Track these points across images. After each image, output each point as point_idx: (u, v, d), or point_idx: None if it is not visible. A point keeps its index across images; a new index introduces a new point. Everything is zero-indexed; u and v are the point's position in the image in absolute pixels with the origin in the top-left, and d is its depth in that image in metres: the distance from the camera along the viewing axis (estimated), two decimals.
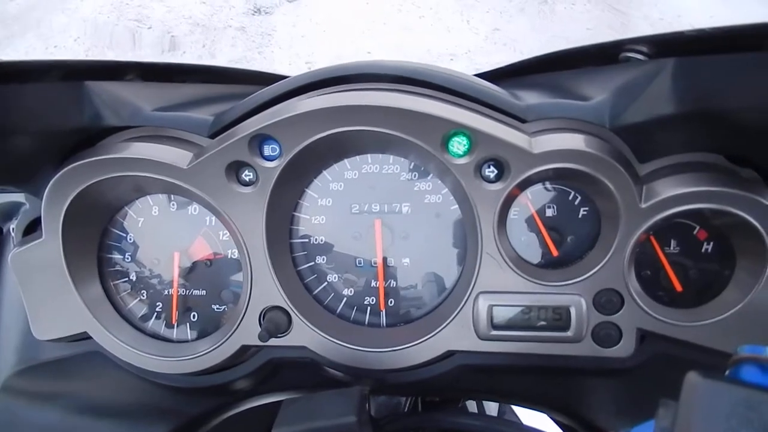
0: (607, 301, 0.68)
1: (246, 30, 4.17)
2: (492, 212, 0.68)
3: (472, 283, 0.70)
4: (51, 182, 0.69)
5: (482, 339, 0.71)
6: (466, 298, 0.70)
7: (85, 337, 0.78)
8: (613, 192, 0.63)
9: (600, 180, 0.63)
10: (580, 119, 0.65)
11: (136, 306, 0.81)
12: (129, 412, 0.83)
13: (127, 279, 0.81)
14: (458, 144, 0.66)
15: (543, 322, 0.69)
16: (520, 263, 0.70)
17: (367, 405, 0.63)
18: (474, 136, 0.64)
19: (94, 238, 0.78)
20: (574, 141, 0.63)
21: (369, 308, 0.79)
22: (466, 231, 0.74)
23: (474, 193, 0.67)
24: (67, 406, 0.81)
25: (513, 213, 0.73)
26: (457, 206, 0.74)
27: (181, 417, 0.83)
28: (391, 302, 0.78)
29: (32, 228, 0.77)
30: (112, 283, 0.81)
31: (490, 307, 0.70)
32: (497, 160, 0.66)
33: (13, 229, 0.81)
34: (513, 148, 0.64)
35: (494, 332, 0.70)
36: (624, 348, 0.68)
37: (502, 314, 0.70)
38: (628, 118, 0.63)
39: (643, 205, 0.63)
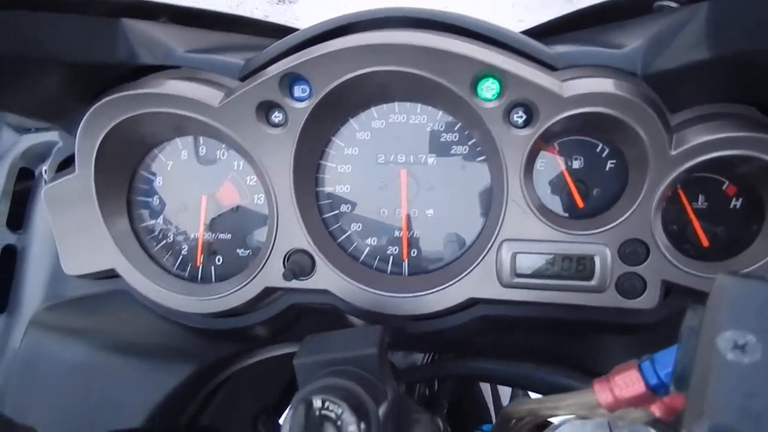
0: (633, 251, 0.67)
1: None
2: (519, 158, 0.68)
3: (497, 231, 0.70)
4: (87, 114, 0.71)
5: (505, 287, 0.71)
6: (489, 245, 0.70)
7: (112, 275, 0.80)
8: (642, 138, 0.63)
9: (630, 125, 0.63)
10: (612, 66, 0.65)
11: (163, 248, 0.83)
12: (152, 352, 0.84)
13: (154, 222, 0.83)
14: (487, 88, 0.66)
15: (566, 271, 0.69)
16: (545, 211, 0.70)
17: (386, 343, 0.64)
18: (504, 78, 0.65)
19: (125, 176, 0.79)
20: (605, 85, 0.63)
21: (392, 258, 0.79)
22: (491, 180, 0.74)
23: (502, 139, 0.67)
24: (93, 343, 0.83)
25: (539, 164, 0.73)
26: (483, 158, 0.75)
27: (201, 361, 0.85)
28: (413, 252, 0.79)
29: (65, 166, 0.79)
30: (140, 226, 0.83)
31: (514, 255, 0.70)
32: (526, 105, 0.66)
33: (45, 170, 0.83)
34: (543, 91, 0.64)
35: (517, 280, 0.70)
36: (648, 299, 0.68)
37: (526, 262, 0.70)
38: (661, 65, 0.63)
39: (673, 152, 0.63)
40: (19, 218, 0.93)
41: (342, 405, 0.51)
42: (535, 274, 0.70)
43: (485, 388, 1.36)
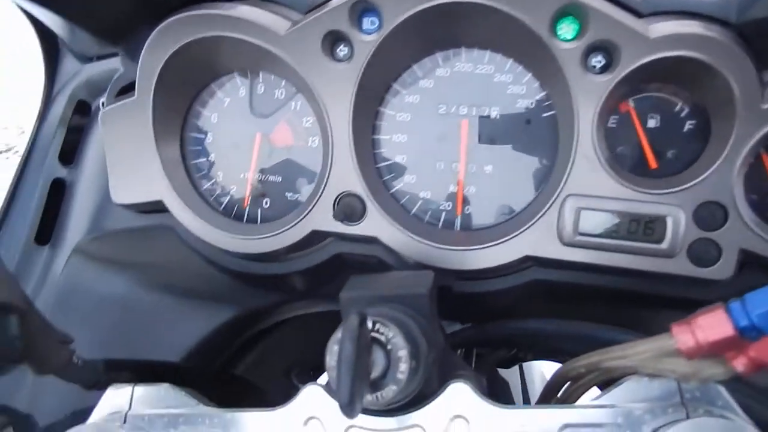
0: (710, 215, 0.63)
1: None
2: (593, 107, 0.64)
3: (561, 184, 0.66)
4: (153, 33, 0.70)
5: (565, 245, 0.67)
6: (552, 200, 0.67)
7: (158, 208, 0.78)
8: (733, 88, 0.59)
9: (720, 73, 0.59)
10: (704, 14, 0.61)
11: (212, 186, 0.81)
12: (191, 293, 0.83)
13: (205, 159, 0.82)
14: (567, 27, 0.63)
15: (634, 233, 0.65)
16: (615, 167, 0.66)
17: (436, 289, 0.61)
18: (585, 16, 0.61)
19: (182, 106, 0.79)
20: (696, 27, 0.59)
21: (444, 213, 0.76)
22: (559, 133, 0.70)
23: (577, 84, 0.64)
24: (134, 276, 0.82)
25: (612, 121, 0.69)
26: (551, 113, 0.71)
27: (239, 308, 0.83)
28: (467, 209, 0.75)
29: (124, 93, 0.78)
30: (191, 162, 0.82)
31: (578, 211, 0.66)
32: (606, 49, 0.63)
33: (102, 103, 0.82)
34: (627, 30, 0.60)
35: (579, 238, 0.66)
36: (722, 269, 0.63)
37: (590, 220, 0.66)
38: (758, 13, 0.58)
39: (766, 106, 0.59)
40: (71, 152, 0.93)
41: (394, 329, 0.48)
42: (599, 234, 0.66)
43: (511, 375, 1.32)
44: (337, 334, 0.49)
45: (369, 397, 0.47)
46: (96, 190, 0.88)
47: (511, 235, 0.68)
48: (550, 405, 0.53)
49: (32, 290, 0.87)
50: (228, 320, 0.82)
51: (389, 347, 0.48)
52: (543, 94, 0.71)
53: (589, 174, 0.65)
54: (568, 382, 0.60)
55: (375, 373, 0.47)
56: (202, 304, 0.82)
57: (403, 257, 0.72)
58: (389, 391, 0.47)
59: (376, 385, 0.48)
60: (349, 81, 0.70)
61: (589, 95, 0.64)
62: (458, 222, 0.76)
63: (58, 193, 0.91)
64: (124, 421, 0.58)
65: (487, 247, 0.69)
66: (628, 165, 0.69)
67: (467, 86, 0.74)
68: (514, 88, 0.73)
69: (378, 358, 0.48)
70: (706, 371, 0.47)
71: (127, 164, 0.78)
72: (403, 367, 0.47)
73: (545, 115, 0.72)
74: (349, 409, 0.41)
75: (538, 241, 0.68)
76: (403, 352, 0.48)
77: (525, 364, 1.48)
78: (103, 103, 0.82)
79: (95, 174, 0.89)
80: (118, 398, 0.61)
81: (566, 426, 0.51)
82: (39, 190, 0.91)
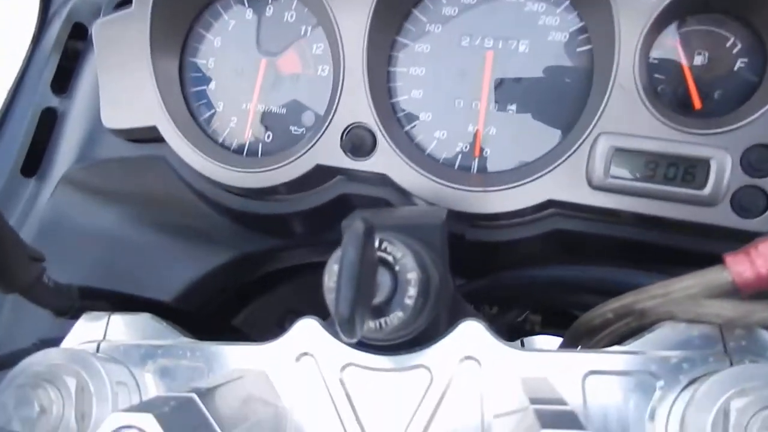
0: (759, 159, 0.56)
1: None
2: (637, 34, 0.57)
3: (595, 121, 0.60)
4: None
5: (594, 188, 0.61)
6: (583, 138, 0.60)
7: (152, 137, 0.72)
8: None
9: None
10: None
11: (211, 117, 0.75)
12: (183, 232, 0.77)
13: (205, 87, 0.75)
14: None
15: (673, 177, 0.58)
16: (656, 102, 0.60)
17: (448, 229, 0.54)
18: None
19: (182, 24, 0.73)
20: None
21: (461, 155, 0.70)
22: (594, 67, 0.63)
23: (622, 8, 0.57)
24: (123, 211, 0.77)
25: (655, 55, 0.62)
26: (586, 47, 0.65)
27: (235, 251, 0.77)
28: (486, 151, 0.69)
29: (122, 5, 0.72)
30: (190, 90, 0.76)
31: (611, 150, 0.59)
32: None
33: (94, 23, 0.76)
34: None
35: (611, 181, 0.60)
36: None
37: (625, 160, 0.59)
38: None
39: None
40: (65, 81, 0.87)
41: (403, 249, 0.42)
42: (633, 176, 0.59)
43: None
44: (337, 252, 0.43)
45: (371, 325, 0.41)
46: (89, 120, 0.82)
47: (534, 176, 0.62)
48: (573, 349, 0.46)
49: (14, 224, 0.81)
50: (221, 264, 0.77)
51: (397, 268, 0.42)
52: (580, 25, 0.65)
53: (626, 110, 0.59)
54: (590, 333, 0.53)
55: (379, 297, 0.41)
56: (195, 245, 0.77)
57: (415, 198, 0.66)
58: (394, 318, 0.41)
59: (379, 312, 0.42)
60: (365, 3, 0.64)
61: (633, 21, 0.57)
62: (475, 164, 0.69)
63: (49, 124, 0.85)
64: (97, 351, 0.52)
65: (507, 188, 0.63)
66: (670, 104, 0.62)
67: (494, 16, 0.68)
68: (547, 18, 0.66)
69: (384, 282, 0.42)
70: (758, 314, 0.41)
71: (121, 85, 0.72)
72: (412, 291, 0.41)
73: (580, 49, 0.65)
74: (348, 326, 0.35)
75: (564, 184, 0.61)
76: (412, 275, 0.41)
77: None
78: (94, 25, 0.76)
79: (89, 103, 0.83)
80: (91, 327, 0.55)
81: (592, 372, 0.45)
82: (28, 119, 0.85)
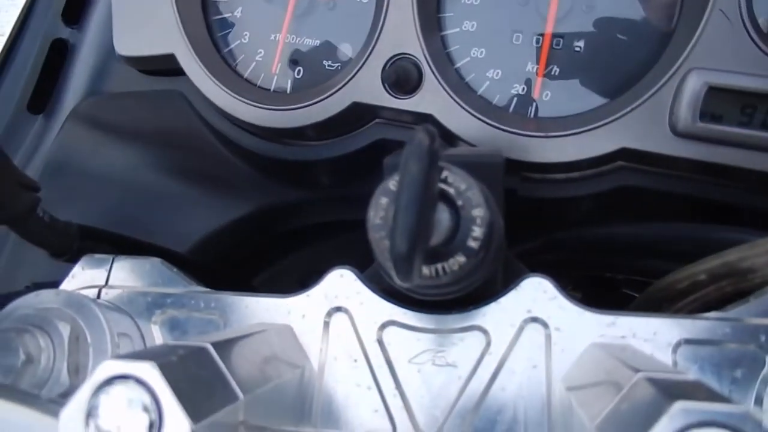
0: None
1: None
2: None
3: (685, 54, 0.51)
4: None
5: (679, 135, 0.52)
6: (668, 75, 0.51)
7: (170, 68, 0.65)
8: None
9: None
10: None
11: (236, 48, 0.67)
12: (201, 178, 0.70)
13: (230, 15, 0.67)
14: None
15: None
16: (761, 32, 0.50)
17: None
18: None
19: None
20: None
21: (516, 98, 0.61)
22: None
23: None
24: (136, 151, 0.69)
25: None
26: None
27: (255, 202, 0.70)
28: (546, 95, 0.60)
29: None
30: (213, 18, 0.68)
31: (705, 87, 0.50)
32: None
33: None
34: None
35: (700, 125, 0.51)
36: None
37: (720, 101, 0.50)
38: None
39: None
40: (77, 11, 0.80)
41: (469, 181, 0.34)
42: (727, 121, 0.50)
43: None
44: (387, 183, 0.35)
45: (426, 271, 0.33)
46: (102, 52, 0.75)
47: (604, 122, 0.53)
48: (662, 314, 0.38)
49: (18, 164, 0.75)
50: (241, 216, 0.70)
51: (460, 203, 0.34)
52: None
53: (724, 41, 0.50)
54: (671, 300, 0.45)
55: (437, 238, 0.33)
56: (212, 193, 0.70)
57: (463, 144, 0.58)
58: (454, 263, 0.33)
59: (435, 256, 0.34)
60: None
61: None
62: (533, 109, 0.61)
63: (59, 56, 0.78)
64: (98, 297, 0.45)
65: (571, 134, 0.54)
66: None
67: None
68: None
69: (442, 219, 0.34)
70: None
71: (137, 7, 0.64)
72: (478, 231, 0.33)
73: None
74: (406, 264, 0.27)
75: (642, 130, 0.53)
76: (478, 212, 0.33)
77: None
78: None
79: (102, 35, 0.76)
80: (92, 271, 0.48)
81: (686, 342, 0.37)
82: (36, 51, 0.78)
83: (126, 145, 0.69)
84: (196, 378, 0.27)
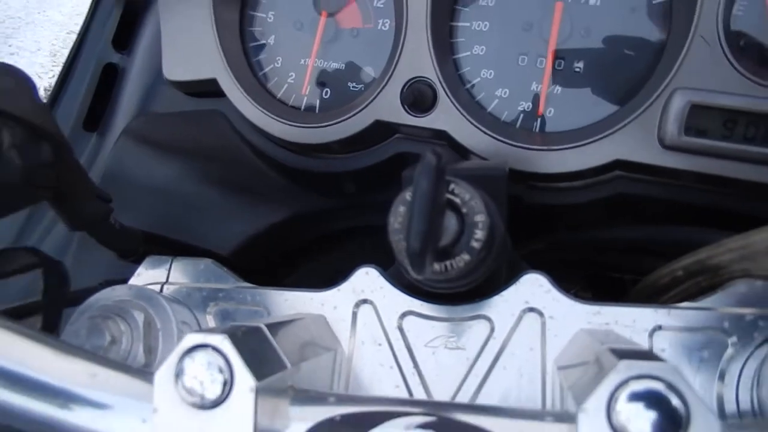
0: None
1: None
2: None
3: (671, 75, 0.57)
4: None
5: (667, 148, 0.58)
6: (657, 94, 0.57)
7: (212, 90, 0.73)
8: None
9: None
10: None
11: (270, 71, 0.75)
12: (239, 188, 0.78)
13: (265, 42, 0.75)
14: None
15: (752, 138, 0.55)
16: (739, 57, 0.56)
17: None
18: None
19: None
20: None
21: (523, 114, 0.68)
22: (672, 19, 0.60)
23: None
24: (181, 165, 0.77)
25: (739, 7, 0.58)
26: None
27: (287, 210, 0.77)
28: (550, 111, 0.67)
29: None
30: (249, 45, 0.76)
31: (688, 105, 0.56)
32: None
33: None
34: None
35: (685, 139, 0.57)
36: None
37: (701, 118, 0.56)
38: None
39: None
40: (126, 39, 0.88)
41: (471, 191, 0.41)
42: (710, 135, 0.56)
43: None
44: (404, 194, 0.42)
45: (436, 266, 0.40)
46: (149, 75, 0.83)
47: (600, 136, 0.60)
48: (641, 304, 0.45)
49: None
50: (274, 223, 0.77)
51: (464, 210, 0.41)
52: None
53: (705, 64, 0.56)
54: (657, 294, 0.51)
55: (445, 240, 0.40)
56: (249, 202, 0.77)
57: (473, 157, 0.65)
58: (460, 261, 0.40)
59: (444, 255, 0.41)
60: None
61: None
62: (537, 124, 0.67)
63: (110, 79, 0.87)
64: (161, 291, 0.53)
65: (571, 147, 0.61)
66: (752, 59, 0.58)
67: None
68: None
69: (450, 224, 0.41)
70: None
71: (183, 37, 0.73)
72: (479, 234, 0.40)
73: (656, 1, 0.62)
74: (418, 260, 0.35)
75: (634, 143, 0.59)
76: (480, 218, 0.40)
77: None
78: None
79: (149, 60, 0.84)
80: (155, 270, 0.56)
81: (659, 328, 0.44)
82: (90, 75, 0.87)
83: (173, 159, 0.77)
84: (255, 349, 0.34)
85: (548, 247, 0.65)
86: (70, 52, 0.92)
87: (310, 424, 0.32)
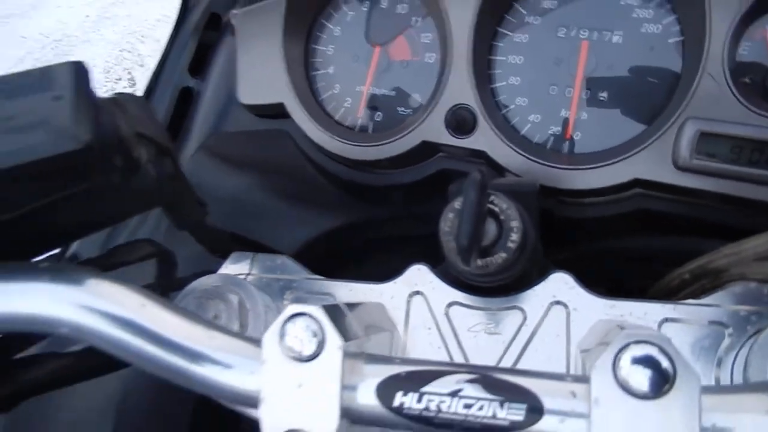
0: None
1: None
2: (728, 25, 0.63)
3: (681, 107, 0.66)
4: None
5: (680, 169, 0.66)
6: (670, 122, 0.66)
7: (278, 113, 0.84)
8: None
9: None
10: None
11: (329, 96, 0.86)
12: (300, 198, 0.88)
13: (325, 71, 0.86)
14: None
15: (756, 161, 0.63)
16: (743, 91, 0.64)
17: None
18: None
19: (310, 17, 0.84)
20: None
21: (552, 137, 0.77)
22: (684, 57, 0.69)
23: (714, 1, 0.63)
24: (250, 177, 0.88)
25: (744, 47, 0.67)
26: (678, 39, 0.70)
27: (342, 218, 0.87)
28: (577, 135, 0.76)
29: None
30: (312, 73, 0.87)
31: (698, 133, 0.65)
32: None
33: (233, 13, 0.89)
34: None
35: (696, 162, 0.65)
36: None
37: (710, 144, 0.65)
38: None
39: None
40: (201, 65, 1.01)
41: (508, 202, 0.50)
42: (718, 158, 0.65)
43: None
44: (453, 203, 0.51)
45: (479, 262, 0.50)
46: (221, 98, 0.95)
47: (622, 157, 0.68)
48: (651, 299, 0.53)
49: None
50: (331, 229, 0.87)
51: (502, 217, 0.50)
52: (673, 17, 0.70)
53: (713, 97, 0.64)
54: (668, 295, 0.59)
55: (486, 241, 0.50)
56: (309, 210, 0.87)
57: (508, 175, 0.74)
58: (498, 258, 0.50)
59: (485, 253, 0.50)
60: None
61: (725, 14, 0.63)
62: (566, 146, 0.76)
63: (186, 102, 0.99)
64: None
65: (596, 167, 0.70)
66: (756, 93, 0.67)
67: (590, 8, 0.74)
68: (641, 11, 0.72)
69: (490, 229, 0.50)
70: None
71: (256, 68, 0.84)
72: (515, 237, 0.49)
73: (671, 40, 0.71)
74: (466, 254, 0.44)
75: (651, 164, 0.67)
76: (515, 223, 0.50)
77: None
78: (233, 14, 0.88)
79: (221, 84, 0.96)
80: (239, 263, 0.66)
81: (667, 320, 0.52)
82: (168, 97, 0.99)
83: (242, 173, 0.88)
84: (338, 320, 0.44)
85: (574, 255, 0.74)
86: (151, 77, 1.04)
87: (381, 378, 0.42)
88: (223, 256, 0.67)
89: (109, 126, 0.43)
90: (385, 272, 0.63)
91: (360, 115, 0.84)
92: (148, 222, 0.81)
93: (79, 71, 0.43)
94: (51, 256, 0.50)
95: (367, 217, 0.88)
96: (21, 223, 0.43)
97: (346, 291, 0.61)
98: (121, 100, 0.46)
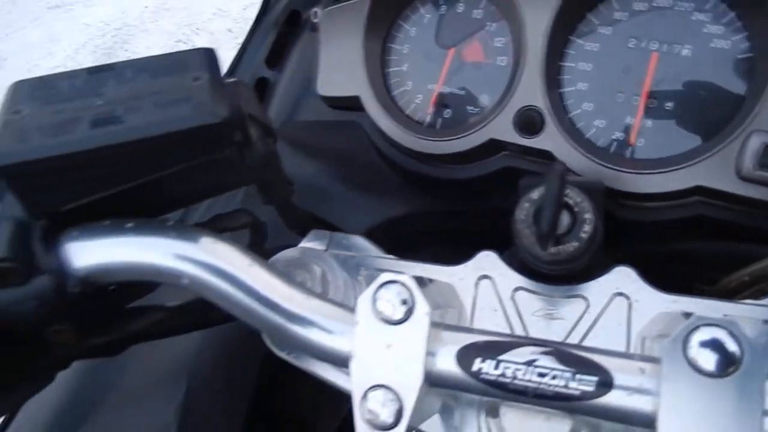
0: None
1: None
2: None
3: (749, 119, 0.68)
4: None
5: (742, 179, 0.69)
6: (736, 134, 0.69)
7: (352, 105, 0.89)
8: None
9: None
10: None
11: (400, 93, 0.91)
12: (366, 187, 0.93)
13: (400, 68, 0.91)
14: None
15: None
16: None
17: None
18: None
19: (390, 18, 0.89)
20: None
21: (616, 143, 0.80)
22: (755, 71, 0.72)
23: None
24: (321, 164, 0.94)
25: None
26: (747, 55, 0.73)
27: (406, 207, 0.92)
28: (640, 141, 0.79)
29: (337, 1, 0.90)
30: (387, 69, 0.92)
31: (763, 146, 0.67)
32: None
33: (314, 12, 0.95)
34: None
35: (759, 173, 0.68)
36: None
37: None
38: None
39: None
40: (277, 58, 1.07)
41: (582, 195, 0.54)
42: None
43: None
44: (530, 194, 0.56)
45: (552, 249, 0.54)
46: (295, 89, 1.01)
47: (685, 164, 0.71)
48: (709, 297, 0.56)
49: None
50: (396, 217, 0.92)
51: (576, 209, 0.54)
52: (744, 34, 0.73)
53: None
54: (727, 296, 0.62)
55: (560, 230, 0.54)
56: (375, 198, 0.92)
57: (574, 174, 0.78)
58: (570, 247, 0.54)
59: (558, 241, 0.54)
60: (549, 5, 0.76)
61: None
62: (629, 152, 0.79)
63: (262, 91, 1.05)
64: None
65: (659, 172, 0.73)
66: None
67: (662, 22, 0.77)
68: (711, 27, 0.75)
69: (563, 220, 0.54)
70: None
71: (337, 62, 0.89)
72: (587, 228, 0.53)
73: (740, 56, 0.73)
74: (546, 239, 0.48)
75: (714, 173, 0.70)
76: (588, 215, 0.54)
77: None
78: (314, 12, 0.94)
79: (295, 76, 1.03)
80: (317, 241, 0.72)
81: (725, 317, 0.55)
82: None
83: (315, 160, 0.94)
84: (429, 291, 0.48)
85: (627, 256, 0.77)
86: (230, 67, 1.11)
87: (461, 344, 0.46)
88: (301, 233, 0.73)
89: (234, 105, 0.49)
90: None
91: (430, 112, 0.89)
92: (237, 196, 0.88)
93: (210, 56, 0.49)
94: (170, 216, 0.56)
95: (427, 209, 0.93)
96: (153, 186, 0.49)
97: (419, 270, 0.65)
98: (240, 83, 0.52)
